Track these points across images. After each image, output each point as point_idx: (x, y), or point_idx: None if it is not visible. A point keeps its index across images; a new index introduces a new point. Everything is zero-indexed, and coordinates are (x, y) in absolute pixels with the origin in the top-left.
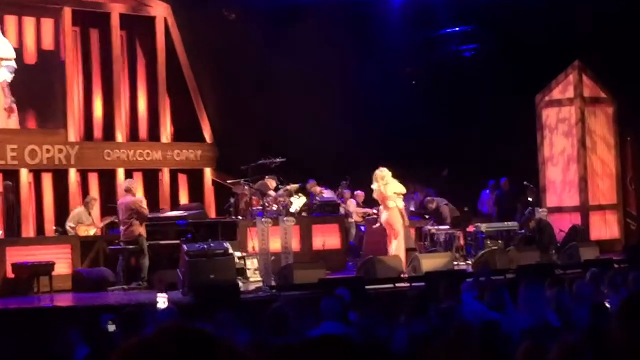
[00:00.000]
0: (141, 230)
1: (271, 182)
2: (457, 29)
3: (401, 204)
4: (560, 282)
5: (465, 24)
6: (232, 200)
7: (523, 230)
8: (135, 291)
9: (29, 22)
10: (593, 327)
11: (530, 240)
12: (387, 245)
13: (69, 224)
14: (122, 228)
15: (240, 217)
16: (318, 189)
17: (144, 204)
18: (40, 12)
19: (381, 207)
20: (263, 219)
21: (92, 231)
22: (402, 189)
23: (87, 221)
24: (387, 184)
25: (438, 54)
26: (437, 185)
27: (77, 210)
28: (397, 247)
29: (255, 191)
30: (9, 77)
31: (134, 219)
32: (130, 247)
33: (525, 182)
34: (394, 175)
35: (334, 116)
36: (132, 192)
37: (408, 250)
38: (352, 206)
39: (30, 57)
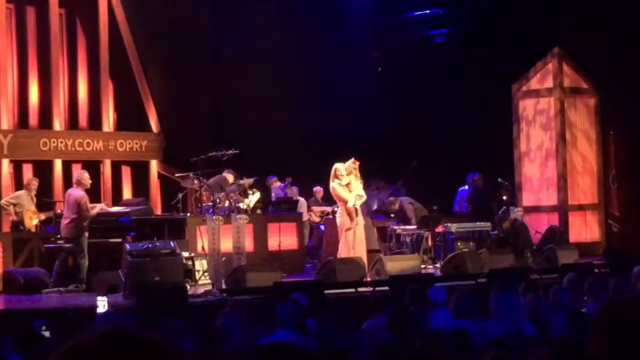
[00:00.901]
0: (84, 228)
1: (230, 177)
2: (427, 11)
3: (358, 203)
4: (535, 287)
5: (436, 6)
6: (180, 195)
7: (496, 232)
8: (73, 294)
9: None
10: (571, 337)
11: (504, 242)
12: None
13: (5, 202)
14: (64, 223)
15: (188, 214)
16: (279, 184)
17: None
18: None
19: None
20: (214, 217)
21: (35, 221)
22: (362, 192)
23: (30, 206)
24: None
25: (406, 38)
26: (404, 178)
27: (17, 192)
28: (344, 248)
29: (213, 186)
30: None
31: (79, 216)
32: (69, 245)
33: (499, 179)
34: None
35: (293, 105)
36: (82, 185)
37: (371, 251)
38: (303, 205)
39: None
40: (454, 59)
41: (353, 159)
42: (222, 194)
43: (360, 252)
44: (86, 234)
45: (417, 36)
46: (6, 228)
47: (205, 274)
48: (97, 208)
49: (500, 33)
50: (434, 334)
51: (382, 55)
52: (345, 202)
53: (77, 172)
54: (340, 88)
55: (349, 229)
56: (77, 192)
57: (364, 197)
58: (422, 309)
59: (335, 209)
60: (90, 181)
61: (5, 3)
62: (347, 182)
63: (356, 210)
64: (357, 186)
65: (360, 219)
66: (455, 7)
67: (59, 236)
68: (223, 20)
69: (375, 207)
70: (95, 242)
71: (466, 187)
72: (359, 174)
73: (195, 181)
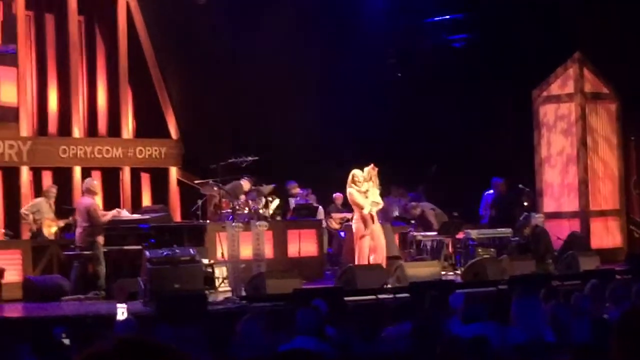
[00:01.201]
0: (98, 236)
1: (246, 184)
2: (447, 17)
3: (374, 210)
4: (557, 294)
5: (456, 11)
6: (199, 202)
7: (517, 238)
8: (93, 301)
9: None
10: (592, 344)
11: (525, 248)
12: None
13: (25, 211)
14: (78, 231)
15: (208, 221)
16: (298, 190)
17: (100, 211)
18: None
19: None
20: (233, 224)
21: (53, 229)
22: (379, 199)
23: (48, 214)
24: (363, 188)
25: (426, 44)
26: (424, 183)
27: (36, 200)
28: (359, 256)
29: (226, 193)
30: None
31: (90, 224)
32: (87, 252)
33: (520, 185)
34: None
35: (311, 111)
36: (91, 193)
37: (392, 258)
38: (321, 213)
39: None
40: (474, 64)
41: (372, 165)
42: (242, 200)
43: (378, 259)
44: (101, 241)
45: (436, 41)
46: (25, 236)
47: (225, 281)
48: (110, 215)
49: (520, 38)
50: (453, 340)
51: (401, 60)
52: (361, 209)
53: (86, 180)
54: (359, 93)
55: (363, 236)
56: (86, 200)
57: (381, 204)
58: (442, 315)
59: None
60: (98, 189)
61: (24, 10)
62: (366, 188)
63: (372, 217)
64: (374, 193)
65: (376, 227)
66: (474, 13)
67: (73, 246)
68: (241, 26)
69: (396, 213)
70: (115, 249)
71: (491, 190)
72: (377, 181)
73: (215, 188)
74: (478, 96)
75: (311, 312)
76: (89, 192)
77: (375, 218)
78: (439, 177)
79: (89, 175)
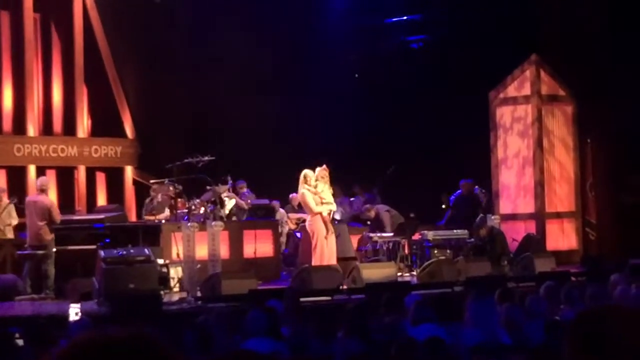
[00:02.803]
0: (51, 233)
1: (221, 188)
2: (404, 17)
3: (325, 211)
4: (512, 295)
5: (413, 12)
6: (147, 200)
7: (473, 239)
8: (46, 301)
9: None
10: (546, 346)
11: (481, 250)
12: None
13: None
14: (32, 231)
15: (163, 221)
16: (246, 190)
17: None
18: None
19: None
20: (189, 224)
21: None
22: (331, 200)
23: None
24: (317, 188)
25: (383, 44)
26: (380, 185)
27: None
28: (318, 258)
29: (212, 196)
30: None
31: (46, 223)
32: (40, 252)
33: (476, 187)
34: (334, 176)
35: (270, 111)
36: (45, 190)
37: (348, 259)
38: (283, 216)
39: None
40: (431, 65)
41: (324, 165)
42: (197, 200)
43: (331, 261)
44: (53, 239)
45: (394, 42)
46: None
47: (180, 281)
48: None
49: (477, 40)
50: (408, 341)
51: (359, 60)
52: (312, 211)
53: (40, 178)
54: (318, 93)
55: (325, 237)
56: (46, 199)
57: (333, 206)
58: (397, 316)
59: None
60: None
61: None
62: (321, 189)
63: (325, 219)
64: (327, 193)
65: (330, 228)
66: (432, 14)
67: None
68: (199, 25)
69: (348, 213)
70: (69, 249)
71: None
72: (328, 181)
73: (171, 188)
74: (435, 97)
75: (265, 313)
76: (44, 190)
77: (328, 220)
78: (396, 178)
79: (44, 174)
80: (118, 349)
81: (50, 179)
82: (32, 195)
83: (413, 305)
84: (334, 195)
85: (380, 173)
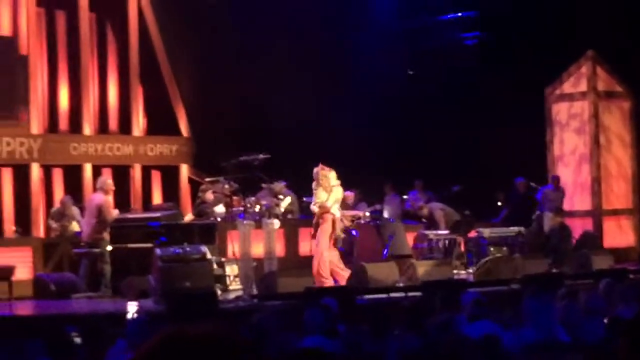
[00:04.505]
0: (105, 233)
1: (277, 186)
2: (458, 14)
3: (338, 213)
4: (570, 293)
5: (468, 9)
6: (197, 202)
7: (531, 236)
8: (104, 299)
9: None
10: (605, 345)
11: (540, 246)
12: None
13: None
14: (85, 228)
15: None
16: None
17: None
18: None
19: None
20: (245, 222)
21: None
22: (340, 195)
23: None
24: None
25: (438, 42)
26: (445, 200)
27: (54, 209)
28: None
29: (268, 194)
30: None
31: (101, 220)
32: (96, 250)
33: (532, 184)
34: (387, 173)
35: (323, 109)
36: (104, 190)
37: (403, 256)
38: None
39: None
40: (486, 62)
41: (320, 164)
42: (253, 198)
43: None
44: (107, 238)
45: (448, 39)
46: (36, 233)
47: (236, 279)
48: (115, 213)
49: (532, 36)
50: (463, 339)
51: (412, 57)
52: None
53: (101, 178)
54: (371, 91)
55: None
56: (98, 197)
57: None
58: (453, 314)
59: (367, 212)
60: (113, 187)
61: (35, 7)
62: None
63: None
64: (319, 192)
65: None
66: (487, 10)
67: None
68: (253, 23)
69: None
70: (125, 247)
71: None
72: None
73: (226, 186)
74: (490, 94)
75: (321, 311)
76: (102, 190)
77: (338, 222)
78: (460, 197)
79: (100, 173)
80: (200, 345)
81: (106, 178)
82: (92, 194)
83: (469, 303)
84: (385, 192)
85: (446, 189)
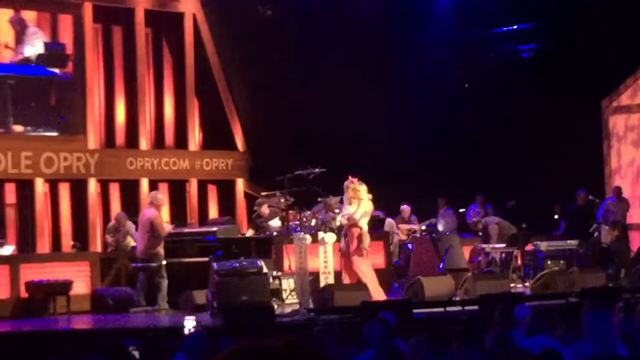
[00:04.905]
0: (160, 247)
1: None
2: (514, 27)
3: (366, 226)
4: (629, 307)
5: (523, 21)
6: (253, 215)
7: (587, 250)
8: (161, 313)
9: (46, 20)
10: None
11: (596, 260)
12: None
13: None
14: (139, 243)
15: (274, 233)
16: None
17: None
18: (59, 8)
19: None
20: (300, 235)
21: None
22: (370, 209)
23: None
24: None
25: (492, 54)
26: (499, 215)
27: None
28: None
29: (323, 208)
30: None
31: (153, 234)
32: (153, 265)
33: (590, 197)
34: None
35: (377, 122)
36: (155, 205)
37: (460, 270)
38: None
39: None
40: (542, 74)
41: (350, 178)
42: (309, 212)
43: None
44: (161, 252)
45: (503, 51)
46: (94, 247)
47: (293, 293)
48: (169, 228)
49: (588, 48)
50: (521, 353)
51: (468, 70)
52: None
53: (152, 192)
54: (426, 104)
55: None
56: (150, 212)
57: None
58: (510, 328)
59: (423, 226)
60: (164, 202)
61: (92, 23)
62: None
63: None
64: (367, 204)
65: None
66: (542, 23)
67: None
68: (308, 38)
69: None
70: (182, 261)
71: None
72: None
73: (282, 200)
74: (546, 106)
75: (378, 325)
76: (153, 204)
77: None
78: (515, 212)
79: (156, 187)
80: (276, 358)
81: (162, 192)
82: (144, 209)
83: (528, 317)
84: (437, 207)
85: (500, 204)
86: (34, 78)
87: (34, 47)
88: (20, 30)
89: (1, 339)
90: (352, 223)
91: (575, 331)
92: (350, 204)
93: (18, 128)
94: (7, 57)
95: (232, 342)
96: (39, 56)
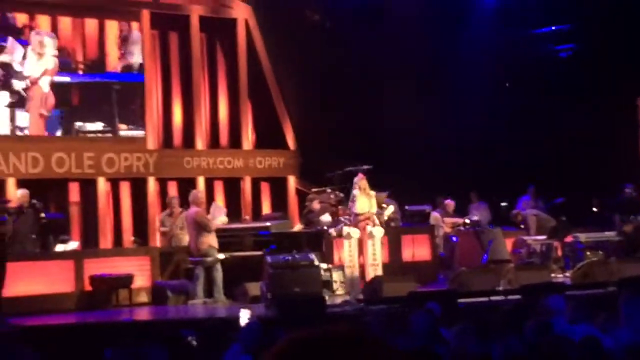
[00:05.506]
0: (210, 241)
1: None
2: (552, 27)
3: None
4: None
5: (562, 22)
6: (305, 211)
7: (620, 238)
8: (218, 304)
9: (111, 26)
10: None
11: (630, 248)
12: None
13: (162, 229)
14: (189, 241)
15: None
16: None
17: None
18: (119, 16)
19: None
20: (350, 230)
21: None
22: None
23: (167, 223)
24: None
25: (532, 54)
26: (547, 210)
27: (162, 214)
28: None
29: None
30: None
31: (201, 231)
32: (209, 259)
33: (627, 189)
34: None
35: (422, 121)
36: (196, 203)
37: (503, 261)
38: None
39: (112, 62)
40: (581, 72)
41: (359, 174)
42: None
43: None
44: (215, 246)
45: (543, 51)
46: (153, 242)
47: (343, 284)
48: (216, 222)
49: (624, 47)
50: (563, 341)
51: (508, 69)
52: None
53: (192, 191)
54: (468, 103)
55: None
56: (193, 211)
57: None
58: (552, 316)
59: (467, 220)
60: (204, 199)
61: (149, 29)
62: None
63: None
64: (361, 200)
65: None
66: (580, 23)
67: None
68: (355, 40)
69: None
70: (237, 255)
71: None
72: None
73: (332, 196)
74: (582, 104)
75: (424, 315)
76: (194, 203)
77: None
78: (564, 210)
79: (212, 186)
80: (337, 345)
81: (218, 190)
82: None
83: (569, 306)
84: (471, 201)
85: (549, 201)
86: (133, 84)
87: (135, 55)
88: (124, 38)
89: (67, 330)
90: (367, 217)
91: (613, 319)
92: (362, 198)
93: (123, 127)
94: (114, 64)
95: (286, 333)
96: (140, 65)
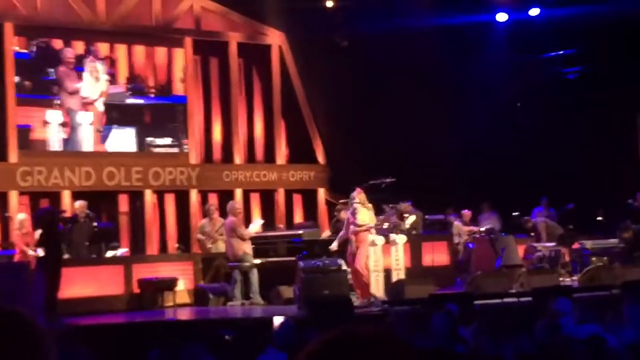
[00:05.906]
0: (245, 248)
1: (404, 206)
2: (560, 52)
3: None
4: None
5: (570, 45)
6: (333, 220)
7: (621, 244)
8: (255, 306)
9: (160, 52)
10: None
11: (629, 251)
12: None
13: (198, 235)
14: (227, 247)
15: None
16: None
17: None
18: (165, 43)
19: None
20: (375, 237)
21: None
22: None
23: (208, 228)
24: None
25: (540, 76)
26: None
27: (202, 221)
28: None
29: (394, 212)
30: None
31: (236, 239)
32: (246, 264)
33: (629, 201)
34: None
35: (438, 137)
36: (233, 213)
37: (515, 266)
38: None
39: (158, 84)
40: (585, 93)
41: (357, 189)
42: (382, 216)
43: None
44: (249, 252)
45: (552, 73)
46: (196, 249)
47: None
48: (250, 230)
49: (626, 68)
50: (570, 340)
51: (519, 91)
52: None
53: (229, 202)
54: (483, 121)
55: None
56: (230, 220)
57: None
58: (559, 317)
59: (482, 228)
60: (240, 209)
61: (192, 55)
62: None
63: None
64: (362, 214)
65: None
66: (587, 47)
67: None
68: (379, 62)
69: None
70: (272, 261)
71: None
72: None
73: None
74: (587, 120)
75: (444, 316)
76: (231, 213)
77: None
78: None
79: (249, 197)
80: (365, 346)
81: (254, 201)
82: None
83: (576, 307)
84: (482, 211)
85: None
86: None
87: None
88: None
89: (117, 329)
90: (365, 229)
91: (618, 320)
92: (361, 210)
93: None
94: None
95: (317, 334)
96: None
